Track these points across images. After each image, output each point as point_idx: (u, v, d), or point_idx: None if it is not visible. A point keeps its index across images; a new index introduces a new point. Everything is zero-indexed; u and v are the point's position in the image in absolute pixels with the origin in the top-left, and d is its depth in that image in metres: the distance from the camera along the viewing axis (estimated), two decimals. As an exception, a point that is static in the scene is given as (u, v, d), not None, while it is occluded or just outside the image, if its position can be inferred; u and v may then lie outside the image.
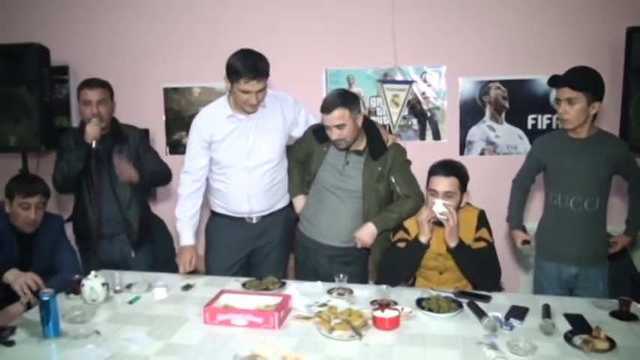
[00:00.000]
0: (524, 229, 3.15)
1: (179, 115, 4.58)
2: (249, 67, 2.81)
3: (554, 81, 2.82)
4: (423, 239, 2.74)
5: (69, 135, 3.38)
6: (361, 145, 3.00)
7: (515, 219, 3.19)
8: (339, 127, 2.85)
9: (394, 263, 2.83)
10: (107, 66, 4.22)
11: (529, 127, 4.16)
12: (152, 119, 4.51)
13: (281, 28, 4.32)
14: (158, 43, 4.52)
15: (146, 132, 4.20)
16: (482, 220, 2.85)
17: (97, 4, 4.59)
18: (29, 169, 4.38)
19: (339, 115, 2.83)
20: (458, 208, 2.78)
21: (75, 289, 2.72)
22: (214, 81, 3.91)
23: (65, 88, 4.69)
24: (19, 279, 2.68)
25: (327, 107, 2.85)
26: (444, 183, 2.73)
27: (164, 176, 3.45)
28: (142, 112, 4.36)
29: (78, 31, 4.61)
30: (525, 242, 3.10)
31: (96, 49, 4.58)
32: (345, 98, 2.87)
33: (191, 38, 4.45)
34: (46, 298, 2.29)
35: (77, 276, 2.77)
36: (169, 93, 4.58)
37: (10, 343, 2.25)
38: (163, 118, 4.60)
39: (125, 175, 3.26)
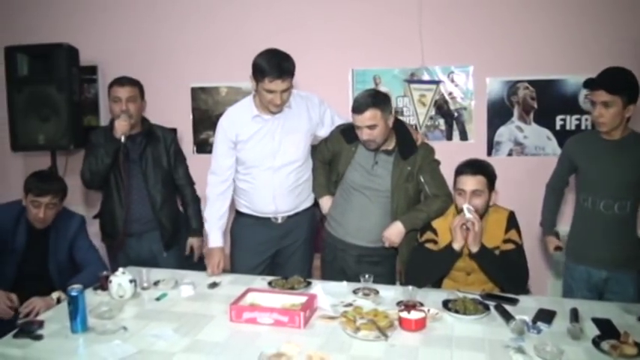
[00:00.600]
0: (557, 235, 3.11)
1: (206, 115, 4.61)
2: (274, 66, 2.82)
3: (590, 83, 2.78)
4: (456, 246, 2.70)
5: (99, 132, 3.41)
6: (390, 144, 2.98)
7: (548, 224, 3.16)
8: (371, 127, 2.83)
9: (423, 265, 2.80)
10: (135, 66, 4.25)
11: (557, 127, 4.10)
12: (180, 118, 4.54)
13: (307, 28, 4.32)
14: (186, 43, 4.56)
15: (174, 131, 4.24)
16: (512, 222, 2.81)
17: (125, 5, 4.65)
18: (58, 168, 4.45)
19: (370, 115, 2.80)
20: (487, 207, 2.75)
21: (103, 285, 2.77)
22: (241, 81, 3.93)
23: (94, 87, 4.75)
24: None
25: (358, 108, 2.83)
26: (471, 182, 2.71)
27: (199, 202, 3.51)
28: (170, 111, 4.40)
29: (107, 31, 4.67)
30: (557, 248, 3.06)
31: (124, 49, 4.64)
32: (376, 99, 2.85)
33: (218, 38, 4.48)
34: (74, 294, 2.32)
35: (105, 272, 2.82)
36: (197, 92, 4.62)
37: (39, 337, 2.29)
38: (191, 117, 4.63)
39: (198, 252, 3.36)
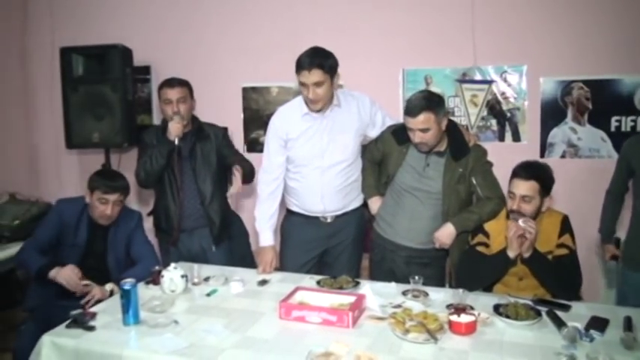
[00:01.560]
0: (617, 242, 3.02)
1: (257, 114, 4.65)
2: (303, 57, 2.88)
3: None
4: (511, 254, 2.65)
5: (151, 132, 3.48)
6: (442, 146, 2.94)
7: (606, 231, 3.08)
8: (423, 131, 2.80)
9: (475, 269, 2.76)
10: (187, 66, 4.33)
11: (612, 129, 3.98)
12: (231, 118, 4.59)
13: (358, 28, 4.31)
14: (237, 43, 4.60)
15: (225, 130, 4.28)
16: (566, 226, 2.75)
17: (178, 6, 4.72)
18: (111, 165, 4.55)
19: (424, 119, 2.77)
20: (537, 212, 2.69)
21: (155, 279, 2.83)
22: (292, 81, 3.93)
23: (147, 87, 4.84)
24: (60, 274, 2.85)
25: (412, 110, 2.80)
26: (522, 187, 2.66)
27: (253, 175, 3.44)
28: (222, 110, 4.45)
29: (160, 32, 4.75)
30: (614, 257, 2.97)
31: (177, 49, 4.72)
32: (430, 101, 2.80)
33: (269, 39, 4.51)
34: (127, 287, 2.38)
35: (157, 267, 2.88)
36: (248, 92, 4.66)
37: (91, 328, 2.35)
38: (242, 116, 4.67)
39: (236, 186, 3.27)
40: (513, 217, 2.64)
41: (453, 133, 2.95)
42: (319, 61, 2.87)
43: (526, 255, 2.63)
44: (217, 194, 3.44)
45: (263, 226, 3.18)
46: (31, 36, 5.12)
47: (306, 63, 2.86)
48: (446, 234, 2.90)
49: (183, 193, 3.37)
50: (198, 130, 3.43)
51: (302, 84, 2.92)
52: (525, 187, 2.65)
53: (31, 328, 2.73)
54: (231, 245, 3.57)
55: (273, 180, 3.17)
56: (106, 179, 3.10)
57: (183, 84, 3.37)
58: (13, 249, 3.76)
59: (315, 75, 2.86)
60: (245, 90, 4.66)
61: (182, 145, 3.34)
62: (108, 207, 3.05)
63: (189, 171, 3.38)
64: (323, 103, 2.98)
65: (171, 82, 3.34)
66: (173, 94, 3.30)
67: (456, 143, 2.94)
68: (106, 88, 4.34)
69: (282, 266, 3.23)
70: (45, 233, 3.11)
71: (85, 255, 3.09)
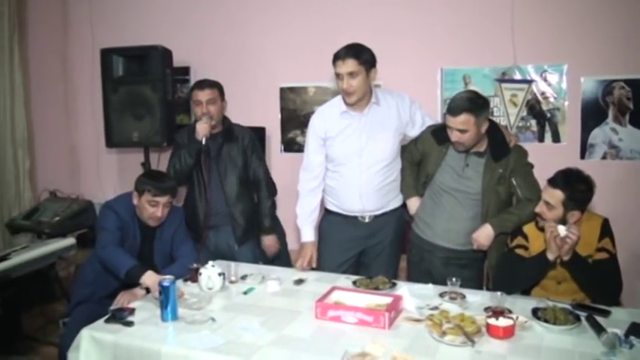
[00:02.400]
0: None
1: (294, 114, 4.67)
2: (340, 49, 2.93)
3: None
4: (550, 257, 2.61)
5: (183, 132, 3.55)
6: (482, 146, 2.92)
7: None
8: (462, 131, 2.78)
9: (513, 272, 2.73)
10: (226, 66, 4.38)
11: (655, 130, 3.89)
12: (268, 118, 4.64)
13: (397, 27, 4.30)
14: (275, 44, 4.64)
15: (262, 130, 4.30)
16: (606, 230, 2.69)
17: (217, 9, 4.78)
18: (151, 164, 4.63)
19: (463, 120, 2.75)
20: (560, 222, 2.62)
21: (192, 277, 2.86)
22: (329, 80, 3.96)
23: (186, 87, 4.87)
24: (145, 281, 2.73)
25: (453, 109, 2.79)
26: (547, 193, 2.65)
27: (275, 192, 3.58)
28: (259, 110, 4.50)
29: (199, 34, 4.82)
30: None
31: (216, 51, 4.77)
32: (474, 104, 2.78)
33: (307, 39, 4.53)
34: (166, 284, 2.41)
35: (195, 265, 2.91)
36: (285, 92, 4.68)
37: (130, 324, 2.39)
38: (279, 116, 4.70)
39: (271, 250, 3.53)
40: (538, 219, 2.63)
41: (494, 133, 2.92)
42: (354, 51, 2.92)
43: (565, 258, 2.59)
44: (243, 195, 3.49)
45: (304, 222, 3.22)
46: (72, 38, 5.26)
47: (341, 53, 2.92)
48: (484, 235, 2.88)
49: (210, 192, 3.42)
50: (227, 131, 3.49)
51: (337, 75, 2.96)
52: (549, 194, 2.63)
53: (80, 320, 2.66)
54: (258, 243, 3.59)
55: (314, 178, 3.19)
56: (156, 181, 3.06)
57: (213, 86, 3.43)
58: (52, 245, 3.83)
59: (349, 64, 2.90)
60: (282, 90, 4.68)
61: (211, 145, 3.39)
62: (158, 209, 3.03)
63: (215, 171, 3.44)
64: (357, 96, 2.99)
65: (201, 84, 3.42)
66: (202, 95, 3.37)
67: (497, 143, 2.91)
68: (146, 88, 4.42)
69: (320, 266, 3.23)
70: (113, 230, 3.00)
71: (138, 255, 3.07)
